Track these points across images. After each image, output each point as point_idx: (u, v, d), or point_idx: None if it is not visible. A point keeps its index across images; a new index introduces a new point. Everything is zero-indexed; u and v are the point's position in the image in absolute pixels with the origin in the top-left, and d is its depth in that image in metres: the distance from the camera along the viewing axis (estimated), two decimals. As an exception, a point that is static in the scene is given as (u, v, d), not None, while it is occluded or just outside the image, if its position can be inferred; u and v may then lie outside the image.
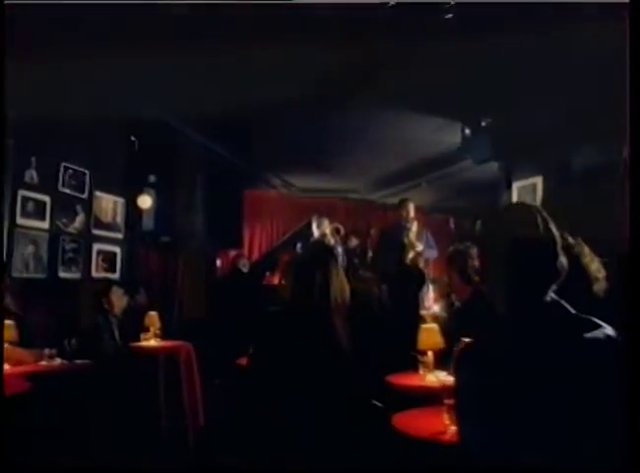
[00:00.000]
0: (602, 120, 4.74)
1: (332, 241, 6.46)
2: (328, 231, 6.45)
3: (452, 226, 9.33)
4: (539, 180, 5.52)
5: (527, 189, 5.67)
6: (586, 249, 2.44)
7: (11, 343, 3.33)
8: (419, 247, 6.84)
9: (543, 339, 1.35)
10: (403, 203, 7.12)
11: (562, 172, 5.27)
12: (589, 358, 1.32)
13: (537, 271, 1.42)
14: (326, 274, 2.49)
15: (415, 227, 6.87)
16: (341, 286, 2.51)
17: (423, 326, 2.87)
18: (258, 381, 2.62)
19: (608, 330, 1.35)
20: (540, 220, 1.44)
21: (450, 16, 3.32)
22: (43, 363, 3.64)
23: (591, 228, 4.18)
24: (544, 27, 4.10)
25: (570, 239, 2.26)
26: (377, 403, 2.63)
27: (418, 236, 6.88)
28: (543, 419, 1.29)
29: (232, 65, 4.51)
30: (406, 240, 6.82)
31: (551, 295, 1.41)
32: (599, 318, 1.41)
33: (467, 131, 5.63)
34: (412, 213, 7.02)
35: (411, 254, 6.78)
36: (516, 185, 5.81)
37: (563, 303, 1.41)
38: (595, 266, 2.36)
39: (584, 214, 4.82)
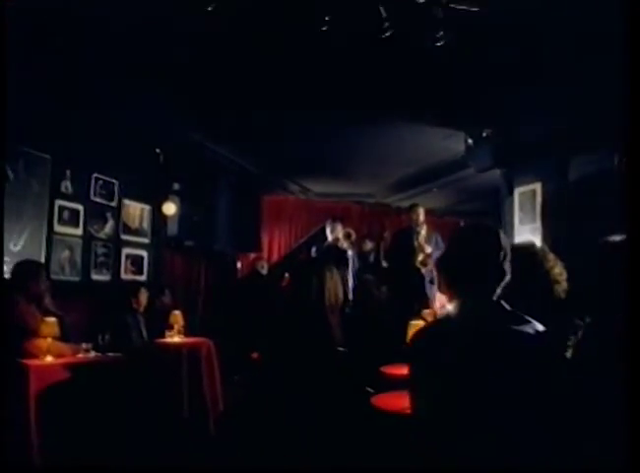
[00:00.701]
0: (595, 131, 5.05)
1: (344, 245, 6.82)
2: (340, 235, 6.81)
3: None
4: (538, 186, 5.83)
5: (527, 195, 5.99)
6: (550, 256, 2.79)
7: (54, 338, 3.80)
8: (429, 249, 7.14)
9: (484, 332, 1.70)
10: (413, 208, 7.45)
11: (560, 179, 5.57)
12: (518, 347, 1.68)
13: (485, 276, 1.77)
14: (321, 277, 2.88)
15: (424, 230, 7.18)
16: (334, 287, 2.89)
17: (412, 322, 3.22)
18: (265, 371, 3.03)
19: (537, 325, 1.70)
20: (491, 239, 1.79)
21: (441, 36, 3.63)
22: (80, 355, 4.09)
23: (586, 228, 4.52)
24: (541, 42, 4.44)
25: (536, 248, 2.58)
26: (370, 389, 3.00)
27: (428, 239, 7.19)
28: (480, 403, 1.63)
29: (251, 78, 4.88)
30: (416, 243, 7.15)
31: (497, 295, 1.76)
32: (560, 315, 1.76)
33: (469, 141, 5.95)
34: (421, 217, 7.33)
35: (420, 256, 7.10)
36: (517, 191, 6.13)
37: (503, 302, 1.76)
38: (557, 270, 2.71)
39: (580, 216, 5.14)
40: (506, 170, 6.21)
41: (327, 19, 3.34)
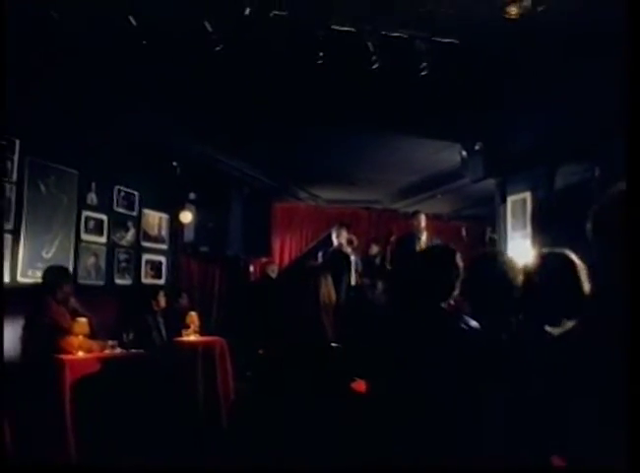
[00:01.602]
0: (577, 146, 5.46)
1: (348, 250, 7.27)
2: (344, 240, 7.26)
3: (464, 233, 10.01)
4: (528, 195, 6.23)
5: (519, 203, 6.39)
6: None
7: (84, 336, 4.31)
8: (429, 254, 7.58)
9: (436, 330, 2.16)
10: (415, 215, 7.87)
11: (547, 188, 5.98)
12: (461, 341, 2.13)
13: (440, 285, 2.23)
14: (316, 282, 3.32)
15: (424, 236, 7.61)
16: (327, 291, 3.34)
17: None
18: (267, 367, 3.49)
19: (474, 323, 2.15)
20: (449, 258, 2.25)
21: (425, 66, 4.07)
22: (108, 351, 4.60)
23: (570, 233, 4.93)
24: (525, 66, 4.85)
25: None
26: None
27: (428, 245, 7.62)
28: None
29: (261, 96, 5.31)
30: (417, 248, 7.58)
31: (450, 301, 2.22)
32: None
33: (463, 153, 6.38)
34: (423, 223, 7.74)
35: (421, 261, 7.53)
36: (510, 199, 6.54)
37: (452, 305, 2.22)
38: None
39: (565, 222, 5.54)
40: (499, 180, 6.62)
41: (321, 54, 3.79)
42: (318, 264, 4.15)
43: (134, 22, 3.46)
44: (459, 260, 2.19)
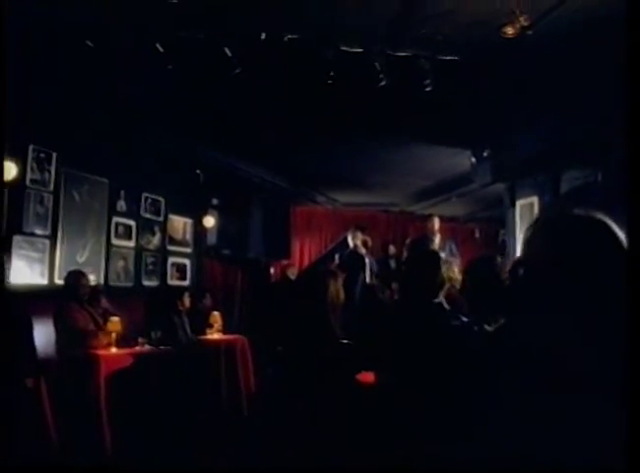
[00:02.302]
0: (581, 152, 5.71)
1: (362, 251, 7.59)
2: (358, 242, 7.58)
3: (477, 235, 10.25)
4: (535, 199, 6.49)
5: (526, 207, 6.65)
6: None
7: (117, 333, 4.70)
8: (442, 255, 7.85)
9: (430, 325, 2.47)
10: (428, 218, 8.18)
11: (553, 193, 6.22)
12: (450, 335, 2.43)
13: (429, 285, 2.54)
14: (325, 283, 3.66)
15: (437, 238, 7.89)
16: (336, 292, 3.67)
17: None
18: (284, 362, 3.83)
19: (464, 318, 2.46)
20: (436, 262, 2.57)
21: (429, 83, 4.38)
22: (138, 348, 4.99)
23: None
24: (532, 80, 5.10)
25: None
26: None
27: (441, 246, 7.90)
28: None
29: (281, 107, 5.63)
30: (430, 250, 7.87)
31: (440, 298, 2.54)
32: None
33: (472, 160, 6.65)
34: (436, 226, 8.03)
35: (435, 262, 7.81)
36: (518, 203, 6.80)
37: (444, 302, 2.53)
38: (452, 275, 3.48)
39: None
40: (508, 185, 6.88)
41: (332, 73, 4.12)
42: (327, 268, 4.46)
43: (161, 49, 3.82)
44: (443, 263, 2.50)
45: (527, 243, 1.56)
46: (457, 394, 2.31)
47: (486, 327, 2.22)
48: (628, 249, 1.37)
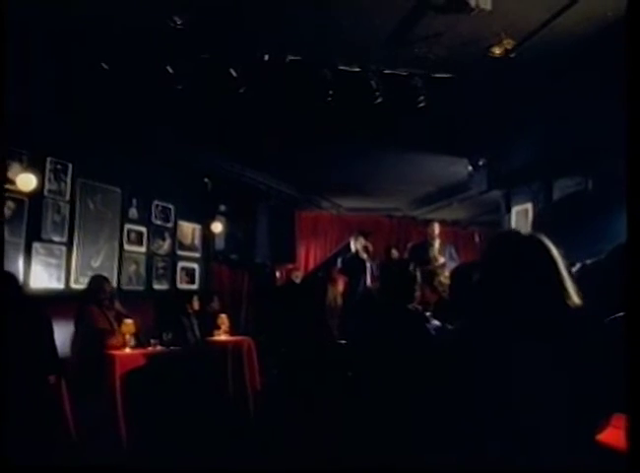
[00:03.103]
0: (571, 162, 5.97)
1: (364, 256, 7.86)
2: (359, 247, 7.85)
3: (477, 239, 10.50)
4: (529, 206, 6.75)
5: (521, 213, 6.91)
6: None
7: (131, 335, 5.01)
8: (442, 260, 8.12)
9: (406, 328, 2.75)
10: (429, 223, 8.43)
11: (546, 200, 6.48)
12: (421, 338, 2.70)
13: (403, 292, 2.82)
14: (324, 289, 3.96)
15: (437, 243, 8.14)
16: (333, 297, 3.97)
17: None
18: (286, 361, 4.13)
19: (437, 322, 2.73)
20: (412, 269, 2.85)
21: (422, 100, 4.66)
22: (150, 348, 5.30)
23: (566, 238, 5.45)
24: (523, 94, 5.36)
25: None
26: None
27: (441, 251, 8.15)
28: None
29: (282, 119, 5.94)
30: (431, 255, 8.13)
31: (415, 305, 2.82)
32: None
33: (470, 168, 6.93)
34: (436, 231, 8.27)
35: (434, 266, 8.08)
36: (514, 209, 7.06)
37: (419, 307, 2.81)
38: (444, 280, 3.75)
39: (562, 229, 6.03)
40: (504, 192, 7.15)
41: (330, 92, 4.41)
42: (326, 275, 4.76)
43: (171, 70, 4.13)
44: (417, 273, 2.78)
45: (481, 256, 1.86)
46: (427, 394, 2.56)
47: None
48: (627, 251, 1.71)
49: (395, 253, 9.82)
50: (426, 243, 8.19)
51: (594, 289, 2.57)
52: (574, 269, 3.69)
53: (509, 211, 7.09)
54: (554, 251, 1.72)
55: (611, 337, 1.91)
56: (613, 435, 1.70)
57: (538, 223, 6.57)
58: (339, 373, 3.52)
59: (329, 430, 3.66)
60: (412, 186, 9.20)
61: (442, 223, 10.45)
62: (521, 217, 6.91)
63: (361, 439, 2.76)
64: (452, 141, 6.43)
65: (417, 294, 2.82)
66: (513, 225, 7.05)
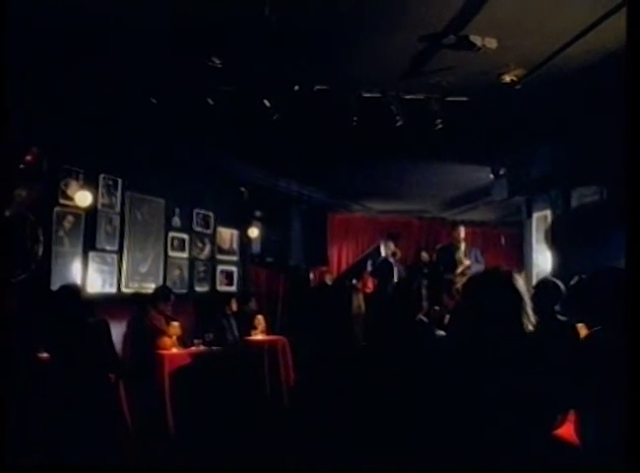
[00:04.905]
0: (588, 172, 6.27)
1: (392, 261, 8.31)
2: (389, 252, 8.29)
3: (503, 241, 10.78)
4: (549, 213, 7.06)
5: (541, 219, 7.23)
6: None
7: (177, 336, 5.58)
8: (467, 262, 8.48)
9: (412, 336, 3.20)
10: (454, 227, 8.80)
11: (563, 208, 6.79)
12: (431, 345, 3.15)
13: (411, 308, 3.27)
14: (349, 297, 4.41)
15: (462, 246, 8.50)
16: (358, 304, 4.42)
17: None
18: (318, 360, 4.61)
19: (442, 332, 3.18)
20: (416, 286, 3.30)
21: (439, 122, 5.07)
22: (194, 348, 5.86)
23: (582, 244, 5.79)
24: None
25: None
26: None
27: (466, 254, 8.51)
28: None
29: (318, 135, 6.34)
30: (456, 257, 8.50)
31: (421, 316, 3.26)
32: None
33: (491, 176, 7.28)
34: (462, 234, 8.62)
35: (460, 268, 8.45)
36: (535, 216, 7.38)
37: (424, 319, 3.26)
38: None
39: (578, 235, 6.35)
40: (526, 198, 7.47)
41: (355, 118, 4.86)
42: (351, 284, 5.19)
43: (211, 102, 4.65)
44: (423, 290, 3.22)
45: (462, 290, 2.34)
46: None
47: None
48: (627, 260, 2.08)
49: (425, 256, 10.21)
50: (453, 246, 8.57)
51: (583, 304, 2.98)
52: (572, 282, 4.08)
53: (530, 216, 7.41)
54: (520, 284, 2.16)
55: (568, 346, 2.36)
56: (567, 429, 2.13)
57: (555, 231, 6.89)
58: (364, 372, 3.94)
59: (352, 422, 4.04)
60: (440, 191, 9.55)
61: (471, 223, 10.83)
62: (541, 223, 7.22)
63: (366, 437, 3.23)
64: (474, 153, 6.79)
65: (425, 305, 3.26)
66: (534, 230, 7.37)
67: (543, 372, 2.04)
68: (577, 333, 3.61)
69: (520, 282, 2.16)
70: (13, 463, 2.73)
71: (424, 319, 3.20)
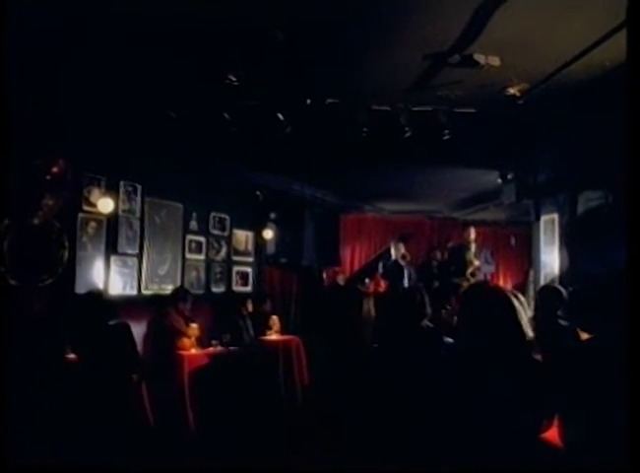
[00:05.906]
0: (594, 176, 6.42)
1: (402, 263, 8.52)
2: (399, 255, 8.50)
3: (513, 242, 10.92)
4: (556, 216, 7.22)
5: (549, 222, 7.38)
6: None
7: (196, 337, 5.84)
8: (477, 263, 8.67)
9: (420, 342, 3.41)
10: (465, 228, 9.02)
11: (570, 211, 6.95)
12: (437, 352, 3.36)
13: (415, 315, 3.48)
14: (360, 301, 4.64)
15: (473, 247, 8.70)
16: (368, 308, 4.64)
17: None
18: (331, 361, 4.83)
19: (449, 339, 3.38)
20: (419, 296, 3.51)
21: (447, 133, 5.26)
22: (211, 349, 6.12)
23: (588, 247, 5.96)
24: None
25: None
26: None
27: (476, 255, 8.71)
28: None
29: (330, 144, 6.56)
30: (467, 258, 8.69)
31: (426, 322, 3.47)
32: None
33: (499, 181, 7.45)
34: (472, 235, 8.84)
35: (470, 269, 8.64)
36: (543, 219, 7.53)
37: (429, 324, 3.47)
38: None
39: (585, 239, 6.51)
40: (534, 201, 7.62)
41: (365, 130, 5.07)
42: (363, 289, 5.41)
43: (227, 116, 4.88)
44: (426, 297, 3.43)
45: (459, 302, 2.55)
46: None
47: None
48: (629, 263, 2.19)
49: (438, 255, 10.40)
50: (464, 247, 8.76)
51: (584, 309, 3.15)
52: (573, 288, 4.26)
53: (538, 219, 7.57)
54: (515, 301, 2.38)
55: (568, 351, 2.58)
56: (553, 433, 2.34)
57: (563, 234, 7.05)
58: (373, 373, 4.13)
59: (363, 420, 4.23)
60: (450, 193, 9.73)
61: (481, 223, 10.98)
62: (549, 226, 7.38)
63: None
64: (481, 159, 6.96)
65: (428, 311, 3.46)
66: (541, 232, 7.53)
67: (538, 378, 2.24)
68: (579, 338, 3.79)
69: (515, 299, 2.36)
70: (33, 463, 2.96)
71: (429, 325, 3.40)
